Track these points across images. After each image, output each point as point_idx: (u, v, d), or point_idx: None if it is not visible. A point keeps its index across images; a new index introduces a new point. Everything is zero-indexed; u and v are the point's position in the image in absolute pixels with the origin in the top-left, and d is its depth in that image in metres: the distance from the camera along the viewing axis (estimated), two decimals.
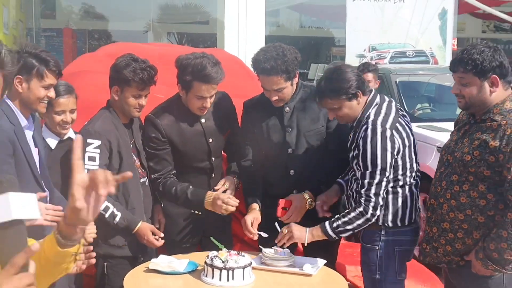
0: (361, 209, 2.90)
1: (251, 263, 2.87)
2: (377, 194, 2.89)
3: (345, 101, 2.95)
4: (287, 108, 3.35)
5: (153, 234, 3.14)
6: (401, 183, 2.97)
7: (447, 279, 3.03)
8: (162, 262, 2.98)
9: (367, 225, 2.93)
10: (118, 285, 3.04)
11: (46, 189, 2.76)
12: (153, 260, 3.00)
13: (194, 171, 3.39)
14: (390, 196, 2.97)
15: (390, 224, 2.98)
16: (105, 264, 3.13)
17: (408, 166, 2.97)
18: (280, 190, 3.33)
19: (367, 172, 2.89)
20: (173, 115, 3.29)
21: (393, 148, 2.90)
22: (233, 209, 3.15)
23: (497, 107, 2.71)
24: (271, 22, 19.08)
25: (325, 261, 3.12)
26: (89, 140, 3.02)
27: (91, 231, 2.83)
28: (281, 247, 3.08)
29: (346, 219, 2.93)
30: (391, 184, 2.95)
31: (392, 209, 2.98)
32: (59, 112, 3.16)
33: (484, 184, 2.68)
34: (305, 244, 3.06)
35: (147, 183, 3.30)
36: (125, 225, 3.07)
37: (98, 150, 3.02)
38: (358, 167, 2.93)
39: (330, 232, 2.96)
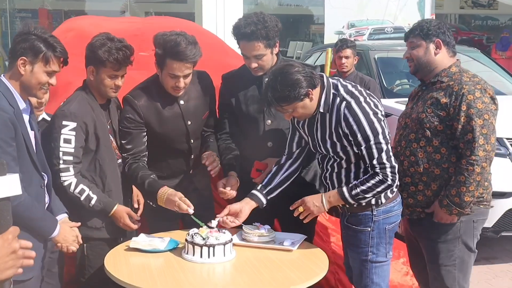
0: (380, 177, 2.83)
1: (231, 239, 2.88)
2: (389, 159, 2.84)
3: (297, 103, 2.83)
4: (266, 79, 3.33)
5: (130, 217, 3.12)
6: None
7: (407, 232, 3.42)
8: (142, 240, 2.98)
9: (387, 190, 2.88)
10: (98, 265, 3.04)
11: (43, 174, 2.73)
12: (133, 238, 3.00)
13: (172, 153, 3.37)
14: None
15: (383, 200, 2.94)
16: (85, 245, 3.10)
17: (388, 135, 2.91)
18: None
19: (372, 144, 2.81)
20: (151, 96, 3.25)
21: (376, 107, 2.86)
22: (185, 207, 3.04)
23: (444, 71, 3.14)
24: (249, 0, 18.98)
25: (305, 236, 3.14)
26: (64, 122, 2.98)
27: (71, 234, 2.84)
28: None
29: (364, 187, 2.85)
30: None
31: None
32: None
33: (438, 139, 3.09)
34: (326, 210, 3.01)
35: None
36: (101, 208, 3.05)
37: (74, 132, 2.98)
38: (358, 145, 2.84)
39: (349, 199, 2.89)
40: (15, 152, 2.50)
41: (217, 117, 3.49)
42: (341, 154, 2.92)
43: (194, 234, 2.85)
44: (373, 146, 2.82)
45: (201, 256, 2.79)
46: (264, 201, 3.09)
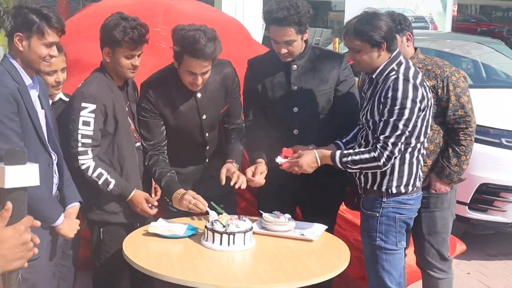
0: (375, 154, 2.83)
1: (251, 227, 2.84)
2: (395, 144, 2.82)
3: (367, 47, 2.85)
4: (295, 66, 3.27)
5: (148, 202, 3.07)
6: (410, 148, 2.91)
7: None
8: (161, 226, 2.94)
9: (374, 170, 2.90)
10: (114, 250, 3.01)
11: (53, 152, 2.67)
12: (152, 223, 2.96)
13: (187, 143, 3.30)
14: (397, 162, 2.90)
15: (394, 190, 2.93)
16: (101, 229, 3.07)
17: (423, 130, 2.91)
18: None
19: (391, 120, 2.80)
20: (167, 86, 3.16)
21: (421, 103, 2.84)
22: (198, 210, 3.02)
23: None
24: None
25: (325, 227, 3.09)
26: (83, 104, 2.92)
27: (73, 227, 2.76)
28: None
29: (357, 158, 2.86)
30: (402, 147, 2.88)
31: (397, 175, 2.93)
32: (51, 73, 3.03)
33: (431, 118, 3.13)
34: (319, 165, 2.99)
35: (142, 148, 3.21)
36: (118, 192, 2.99)
37: (93, 115, 2.93)
38: (381, 115, 2.84)
39: (338, 163, 2.91)
40: (18, 128, 2.47)
41: (241, 106, 3.40)
42: (371, 127, 2.93)
43: (214, 221, 2.80)
44: (390, 124, 2.81)
45: (220, 244, 2.74)
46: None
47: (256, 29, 7.65)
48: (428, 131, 2.97)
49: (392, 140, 2.81)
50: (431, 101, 2.94)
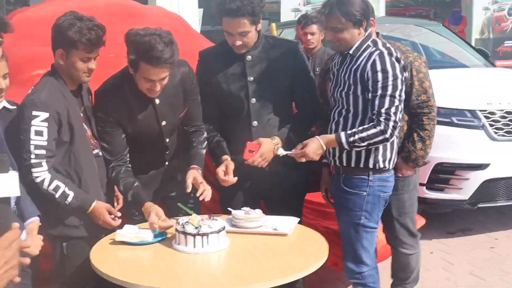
0: (381, 127, 2.87)
1: (224, 226, 2.72)
2: (396, 114, 2.89)
3: (349, 25, 2.93)
4: (249, 57, 3.17)
5: (110, 213, 2.88)
6: None
7: None
8: (128, 232, 2.78)
9: (381, 144, 2.93)
10: (80, 264, 2.83)
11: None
12: (118, 231, 2.79)
13: (146, 150, 3.15)
14: None
15: (381, 165, 2.99)
16: (64, 244, 2.87)
17: (402, 105, 2.96)
18: (242, 145, 3.14)
19: (388, 93, 2.87)
20: (123, 93, 2.97)
21: (402, 75, 2.95)
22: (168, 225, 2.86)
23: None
24: None
25: (298, 219, 3.02)
26: (34, 112, 2.70)
27: (37, 243, 2.55)
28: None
29: (364, 134, 2.88)
30: None
31: (382, 149, 2.99)
32: None
33: None
34: (324, 150, 2.95)
35: (100, 154, 3.02)
36: (78, 205, 2.79)
37: (46, 123, 2.71)
38: (374, 91, 2.89)
39: (345, 145, 2.91)
40: None
41: (200, 107, 3.24)
42: (350, 104, 2.99)
43: (185, 223, 2.67)
44: (387, 97, 2.88)
45: (194, 246, 2.61)
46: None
47: (193, 23, 7.49)
48: (402, 94, 2.99)
49: (393, 110, 2.89)
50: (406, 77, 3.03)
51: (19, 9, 5.02)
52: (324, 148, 2.95)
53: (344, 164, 3.04)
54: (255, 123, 3.21)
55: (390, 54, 2.93)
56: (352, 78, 2.97)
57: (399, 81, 2.89)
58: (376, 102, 2.89)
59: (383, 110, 2.87)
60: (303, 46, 6.24)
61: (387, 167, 3.03)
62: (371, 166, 2.99)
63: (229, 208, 3.01)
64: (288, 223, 2.93)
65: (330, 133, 3.04)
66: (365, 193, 3.00)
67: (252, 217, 2.92)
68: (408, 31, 7.44)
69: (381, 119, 2.87)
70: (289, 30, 8.01)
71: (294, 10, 10.83)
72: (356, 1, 2.93)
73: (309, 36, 5.94)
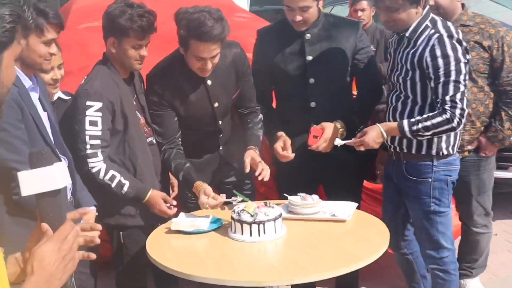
0: (447, 115, 2.75)
1: (281, 214, 2.64)
2: (463, 100, 2.76)
3: (406, 4, 2.78)
4: (308, 35, 3.08)
5: (166, 202, 2.86)
6: None
7: None
8: (183, 221, 2.74)
9: (448, 133, 2.82)
10: (136, 253, 2.84)
11: (62, 157, 2.46)
12: (173, 220, 2.75)
13: (199, 133, 3.11)
14: None
15: (444, 152, 2.88)
16: (121, 233, 2.87)
17: (466, 89, 2.85)
18: (299, 127, 3.12)
19: (451, 79, 2.74)
20: (174, 76, 2.95)
21: (465, 57, 2.80)
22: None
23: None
24: None
25: (356, 204, 2.91)
26: (88, 103, 2.69)
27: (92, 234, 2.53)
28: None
29: (428, 123, 2.78)
30: None
31: (445, 136, 2.88)
32: (47, 70, 2.76)
33: (482, 79, 3.23)
34: (385, 138, 2.88)
35: (154, 142, 3.00)
36: (134, 194, 2.78)
37: (100, 113, 2.70)
38: (437, 78, 2.76)
39: (408, 134, 2.82)
40: (25, 135, 2.24)
41: (253, 88, 3.18)
42: (408, 89, 2.87)
43: (241, 211, 2.61)
44: (451, 83, 2.74)
45: (250, 235, 2.55)
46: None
47: (241, 4, 7.41)
48: (467, 77, 2.87)
49: (459, 96, 2.75)
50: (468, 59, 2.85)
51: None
52: (385, 136, 2.86)
53: (405, 150, 2.93)
54: (313, 104, 3.13)
55: (451, 37, 2.77)
56: (410, 63, 2.83)
57: (462, 65, 2.76)
58: (440, 89, 2.75)
59: (447, 98, 2.74)
60: None
61: (451, 153, 2.92)
62: (434, 153, 2.88)
63: (285, 194, 2.93)
64: (346, 209, 2.83)
65: (388, 119, 2.93)
66: (430, 180, 2.90)
67: (309, 203, 2.83)
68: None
69: (447, 107, 2.74)
70: (340, 7, 7.80)
71: None
72: None
73: (359, 13, 5.77)
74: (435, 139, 2.87)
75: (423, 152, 2.89)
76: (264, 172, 2.91)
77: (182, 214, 2.82)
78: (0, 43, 1.24)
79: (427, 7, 2.86)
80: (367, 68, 3.16)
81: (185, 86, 2.96)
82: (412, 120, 2.80)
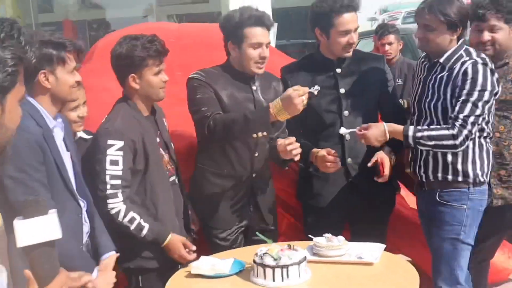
0: (454, 131, 2.73)
1: (305, 257, 2.55)
2: (474, 124, 2.75)
3: (443, 28, 2.79)
4: (339, 69, 3.11)
5: (185, 247, 2.78)
6: (485, 133, 2.87)
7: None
8: (204, 265, 2.65)
9: (445, 150, 2.80)
10: None
11: (82, 200, 2.42)
12: (193, 264, 2.66)
13: (235, 146, 3.01)
14: (477, 149, 2.85)
15: (481, 179, 2.86)
16: (140, 277, 2.79)
17: (491, 115, 2.88)
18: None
19: (471, 99, 2.73)
20: (222, 77, 2.99)
21: (494, 88, 2.77)
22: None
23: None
24: None
25: (384, 246, 2.79)
26: (109, 142, 2.65)
27: (109, 280, 2.44)
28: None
29: (433, 133, 2.76)
30: (477, 134, 2.83)
31: (479, 163, 2.85)
32: (73, 108, 2.74)
33: None
34: (387, 138, 2.84)
35: (177, 181, 2.94)
36: (153, 237, 2.70)
37: (121, 152, 2.65)
38: (459, 96, 2.75)
39: (410, 139, 2.78)
40: (45, 178, 2.21)
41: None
42: (439, 116, 2.84)
43: (263, 254, 2.52)
44: (469, 104, 2.73)
45: (273, 279, 2.44)
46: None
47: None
48: (487, 107, 2.83)
49: (471, 119, 2.72)
50: (497, 89, 2.82)
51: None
52: (387, 136, 2.83)
53: (440, 178, 2.87)
54: (347, 136, 3.10)
55: (485, 64, 2.75)
56: (443, 87, 2.81)
57: (487, 93, 2.74)
58: (457, 107, 2.74)
59: (461, 116, 2.74)
60: None
61: (486, 180, 2.90)
62: (471, 180, 2.83)
63: (310, 235, 2.83)
64: (373, 251, 2.72)
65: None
66: (465, 206, 2.84)
67: (334, 245, 2.72)
68: None
69: (456, 124, 2.73)
70: (366, 40, 7.77)
71: (370, 19, 10.56)
72: (456, 4, 2.80)
73: (387, 47, 5.73)
74: (470, 166, 2.83)
75: (460, 179, 2.84)
76: (295, 151, 2.84)
77: (203, 258, 2.74)
78: (2, 88, 1.20)
79: (463, 39, 2.86)
80: (391, 101, 3.22)
81: (233, 85, 2.99)
82: (419, 127, 2.81)
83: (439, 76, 2.85)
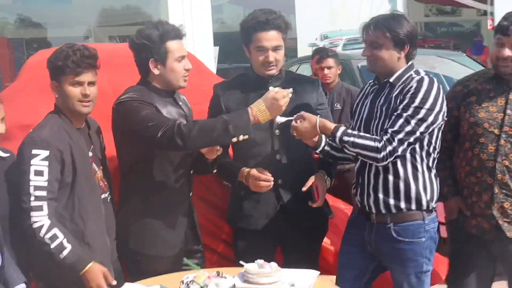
0: (379, 145, 2.63)
1: (234, 285, 2.43)
2: (401, 142, 2.62)
3: (389, 44, 2.71)
4: (271, 87, 2.95)
5: (105, 279, 2.55)
6: (431, 158, 2.77)
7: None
8: None
9: (367, 160, 2.72)
10: None
11: None
12: None
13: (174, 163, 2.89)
14: (427, 174, 2.76)
15: (433, 205, 2.78)
16: None
17: (439, 141, 2.76)
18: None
19: (404, 115, 2.63)
20: (153, 95, 2.85)
21: (441, 107, 2.68)
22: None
23: None
24: (214, 19, 18.76)
25: (318, 272, 2.71)
26: (34, 151, 2.49)
27: None
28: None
29: (359, 141, 2.67)
30: (425, 161, 2.74)
31: (430, 189, 2.77)
32: None
33: None
34: (319, 133, 2.80)
35: (109, 200, 2.79)
36: (72, 261, 2.48)
37: (47, 162, 2.49)
38: (395, 109, 2.68)
39: (337, 139, 2.72)
40: None
41: None
42: None
43: (190, 282, 2.39)
44: (401, 120, 2.64)
45: None
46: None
47: (209, 61, 7.32)
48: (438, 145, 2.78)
49: (400, 136, 2.63)
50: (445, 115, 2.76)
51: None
52: (318, 131, 2.76)
53: (393, 210, 2.76)
54: (278, 156, 3.02)
55: (432, 82, 2.68)
56: (392, 107, 2.72)
57: (424, 111, 2.62)
58: (391, 120, 2.67)
59: (390, 130, 2.64)
60: None
61: (435, 207, 2.82)
62: (424, 207, 2.75)
63: (241, 262, 2.71)
64: (306, 278, 2.63)
65: (375, 174, 2.80)
66: (424, 239, 2.76)
67: (266, 272, 2.61)
68: (431, 62, 7.19)
69: (384, 137, 2.64)
70: (306, 65, 7.80)
71: (311, 45, 10.68)
72: (403, 22, 2.73)
73: (326, 71, 5.67)
74: (422, 192, 2.74)
75: (413, 207, 2.74)
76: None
77: (127, 284, 2.58)
78: None
79: (411, 61, 2.78)
80: (329, 117, 3.12)
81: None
82: (349, 131, 2.72)
83: (389, 97, 2.75)
